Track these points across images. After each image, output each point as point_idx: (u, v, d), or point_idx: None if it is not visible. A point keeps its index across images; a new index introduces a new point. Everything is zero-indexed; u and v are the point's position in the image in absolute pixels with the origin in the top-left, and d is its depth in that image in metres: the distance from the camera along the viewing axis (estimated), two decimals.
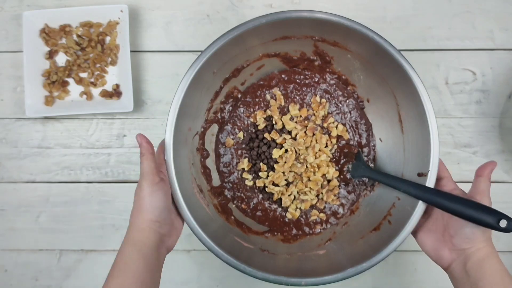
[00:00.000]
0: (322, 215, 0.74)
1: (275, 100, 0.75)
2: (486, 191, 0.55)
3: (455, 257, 0.56)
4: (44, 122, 0.81)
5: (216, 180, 0.75)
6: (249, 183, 0.75)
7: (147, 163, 0.56)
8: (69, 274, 0.80)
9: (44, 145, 0.81)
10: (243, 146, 0.75)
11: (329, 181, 0.74)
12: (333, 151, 0.74)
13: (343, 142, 0.75)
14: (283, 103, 0.75)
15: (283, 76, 0.76)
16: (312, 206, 0.75)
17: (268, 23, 0.62)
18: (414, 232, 0.62)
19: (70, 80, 0.81)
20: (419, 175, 0.61)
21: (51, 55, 0.80)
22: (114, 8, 0.78)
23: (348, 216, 0.74)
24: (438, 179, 0.60)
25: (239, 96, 0.76)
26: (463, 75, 0.79)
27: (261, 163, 0.74)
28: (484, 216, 0.51)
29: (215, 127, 0.75)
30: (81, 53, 0.81)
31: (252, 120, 0.75)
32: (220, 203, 0.72)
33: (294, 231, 0.75)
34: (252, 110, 0.76)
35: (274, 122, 0.74)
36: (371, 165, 0.74)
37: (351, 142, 0.75)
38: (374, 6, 0.80)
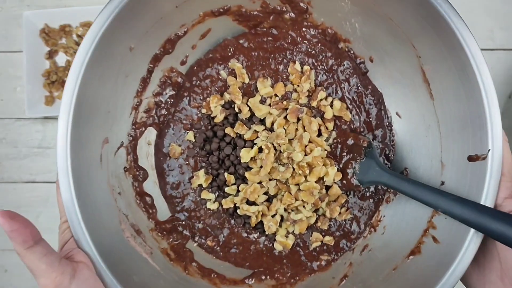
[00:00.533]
0: (328, 238, 0.55)
1: (235, 77, 0.56)
2: None
3: None
4: (44, 122, 0.84)
5: (163, 212, 0.56)
6: (212, 206, 0.56)
7: (34, 262, 0.38)
8: None
9: (44, 145, 0.83)
10: (197, 151, 0.56)
11: (328, 187, 0.54)
12: (330, 141, 0.54)
13: (345, 127, 0.55)
14: (247, 80, 0.56)
15: (241, 42, 0.56)
16: (311, 228, 0.55)
17: None
18: None
19: None
20: (472, 159, 0.44)
21: (51, 55, 0.83)
22: None
23: (368, 236, 0.55)
24: None
25: (180, 80, 0.56)
26: None
27: (226, 173, 0.54)
28: None
29: (151, 133, 0.56)
30: None
31: (204, 111, 0.56)
32: (173, 246, 0.54)
33: (290, 271, 0.54)
34: (202, 97, 0.57)
35: (237, 110, 0.55)
36: (391, 156, 0.55)
37: (356, 125, 0.55)
38: None
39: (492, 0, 0.82)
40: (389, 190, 0.54)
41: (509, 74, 0.81)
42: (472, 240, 0.42)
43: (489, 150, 0.41)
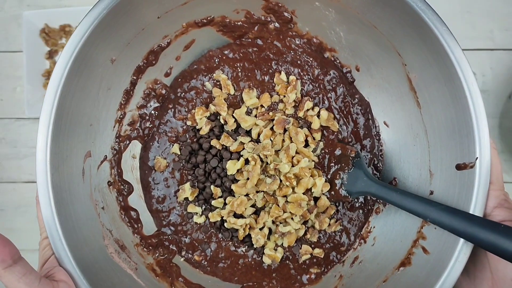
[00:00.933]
0: (318, 251, 0.53)
1: (220, 88, 0.55)
2: None
3: None
4: None
5: (148, 226, 0.55)
6: (198, 219, 0.55)
7: (12, 283, 0.37)
8: None
9: None
10: (182, 164, 0.55)
11: (316, 198, 0.53)
12: (318, 152, 0.53)
13: (332, 137, 0.55)
14: (232, 91, 0.56)
15: (226, 52, 0.56)
16: (300, 240, 0.54)
17: None
18: None
19: None
20: (460, 168, 0.43)
21: (51, 55, 0.83)
22: None
23: (358, 247, 0.54)
24: None
25: (165, 92, 0.56)
26: None
27: (212, 186, 0.53)
28: None
29: (136, 146, 0.55)
30: None
31: (189, 123, 0.55)
32: (159, 261, 0.52)
33: (280, 285, 0.52)
34: (187, 109, 0.56)
35: (223, 122, 0.55)
36: (380, 166, 0.55)
37: (343, 134, 0.54)
38: None
39: (492, 0, 0.82)
40: (378, 200, 0.53)
41: (509, 74, 0.81)
42: (462, 250, 0.41)
43: (477, 158, 0.41)
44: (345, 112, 0.54)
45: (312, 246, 0.54)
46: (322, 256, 0.53)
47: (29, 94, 0.80)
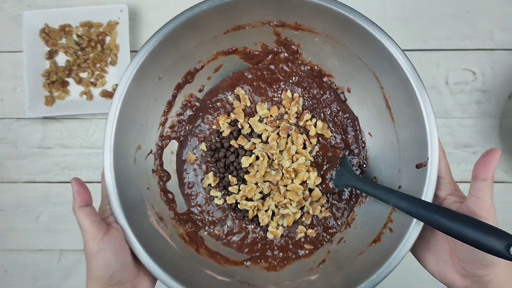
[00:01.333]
0: (310, 231, 0.65)
1: (240, 101, 0.67)
2: (491, 203, 0.45)
3: (469, 284, 0.48)
4: (44, 122, 0.83)
5: (182, 206, 0.66)
6: (218, 201, 0.66)
7: (82, 217, 0.48)
8: (69, 274, 0.81)
9: (44, 145, 0.83)
10: (208, 159, 0.67)
11: (311, 190, 0.65)
12: (314, 153, 0.65)
13: (325, 142, 0.67)
14: (248, 104, 0.67)
15: (245, 74, 0.67)
16: (297, 222, 0.66)
17: (211, 9, 0.54)
18: (413, 251, 0.53)
19: (70, 80, 0.83)
20: (418, 166, 0.53)
21: (51, 55, 0.82)
22: (114, 8, 0.80)
23: (344, 230, 0.64)
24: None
25: (198, 104, 0.68)
26: (463, 75, 0.80)
27: (230, 176, 0.65)
28: (492, 241, 0.41)
29: (174, 144, 0.67)
30: (81, 53, 0.82)
31: (215, 127, 0.67)
32: (188, 232, 0.63)
33: (280, 255, 0.64)
34: (213, 116, 0.68)
35: (240, 127, 0.66)
36: (364, 167, 0.66)
37: (336, 141, 0.67)
38: (374, 6, 0.81)
39: (492, 0, 0.81)
40: (362, 194, 0.64)
41: (509, 74, 0.80)
42: (414, 228, 0.50)
43: (428, 158, 0.51)
44: (337, 124, 0.66)
45: (306, 227, 0.64)
46: (314, 236, 0.64)
47: (29, 94, 0.78)
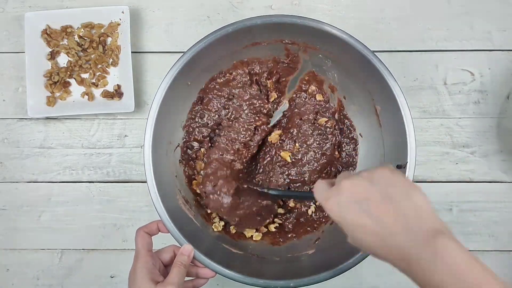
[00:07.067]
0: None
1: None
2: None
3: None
4: (46, 123, 0.84)
5: None
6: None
7: (140, 239, 0.60)
8: (71, 274, 0.81)
9: (46, 145, 0.84)
10: None
11: None
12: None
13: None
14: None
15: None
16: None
17: (236, 31, 0.64)
18: None
19: (72, 81, 0.83)
20: (398, 167, 0.63)
21: (52, 56, 0.82)
22: (115, 9, 0.81)
23: None
24: None
25: None
26: (462, 75, 0.81)
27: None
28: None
29: None
30: (82, 54, 0.83)
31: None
32: (208, 212, 0.73)
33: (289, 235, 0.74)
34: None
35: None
36: (356, 158, 0.76)
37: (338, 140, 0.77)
38: (372, 7, 0.83)
39: (490, 1, 0.82)
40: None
41: (507, 75, 0.80)
42: None
43: (407, 162, 0.61)
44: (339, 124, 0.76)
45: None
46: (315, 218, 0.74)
47: (31, 95, 0.79)
